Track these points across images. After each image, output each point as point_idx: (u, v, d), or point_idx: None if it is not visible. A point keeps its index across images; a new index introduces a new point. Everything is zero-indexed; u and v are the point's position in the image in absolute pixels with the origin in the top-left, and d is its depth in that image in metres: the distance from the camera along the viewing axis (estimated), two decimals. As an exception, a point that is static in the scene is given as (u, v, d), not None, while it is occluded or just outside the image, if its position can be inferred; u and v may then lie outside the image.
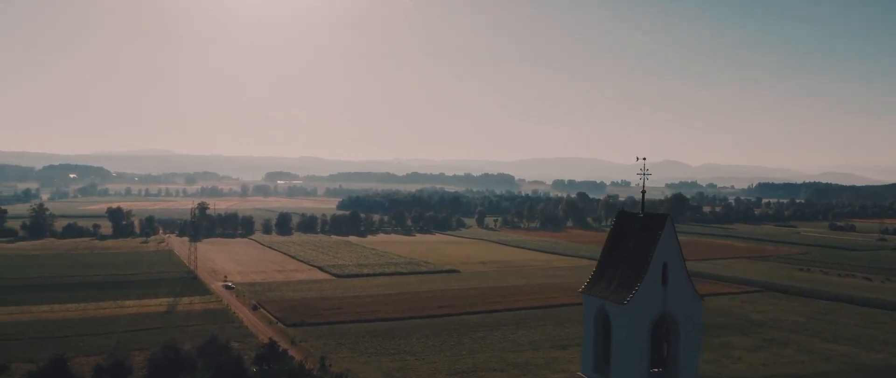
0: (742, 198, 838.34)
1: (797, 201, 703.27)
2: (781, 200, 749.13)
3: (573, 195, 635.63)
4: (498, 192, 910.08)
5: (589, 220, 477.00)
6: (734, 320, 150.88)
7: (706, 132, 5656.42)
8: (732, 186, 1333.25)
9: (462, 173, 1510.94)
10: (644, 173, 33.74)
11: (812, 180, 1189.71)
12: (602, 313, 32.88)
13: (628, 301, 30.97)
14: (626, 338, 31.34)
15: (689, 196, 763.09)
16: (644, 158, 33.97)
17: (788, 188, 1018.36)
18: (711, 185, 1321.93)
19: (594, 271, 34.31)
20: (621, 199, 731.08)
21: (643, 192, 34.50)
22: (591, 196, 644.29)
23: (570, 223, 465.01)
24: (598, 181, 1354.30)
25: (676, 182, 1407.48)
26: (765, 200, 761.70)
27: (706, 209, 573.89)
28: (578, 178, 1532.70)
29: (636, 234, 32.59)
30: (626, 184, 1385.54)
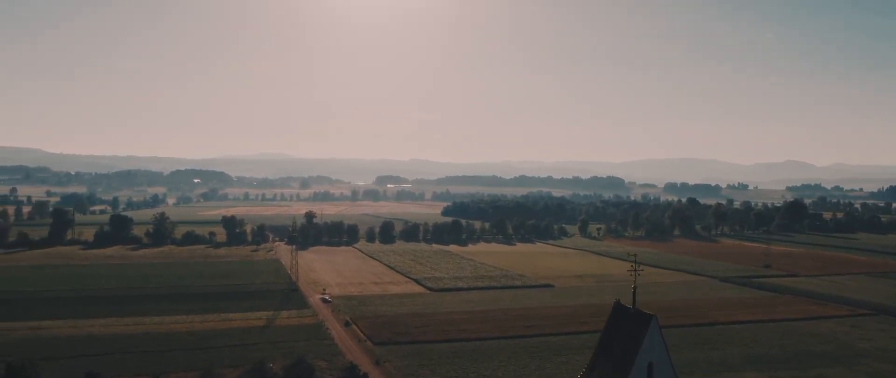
0: (869, 202, 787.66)
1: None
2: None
3: (683, 200, 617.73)
4: (605, 196, 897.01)
5: (697, 228, 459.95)
6: (835, 349, 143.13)
7: (835, 130, 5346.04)
8: (861, 189, 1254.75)
9: (570, 176, 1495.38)
10: (635, 267, 33.79)
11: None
12: (592, 406, 33.39)
13: (611, 400, 31.40)
14: (611, 434, 31.76)
15: (810, 201, 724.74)
16: (635, 256, 33.99)
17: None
18: (837, 188, 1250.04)
19: (590, 360, 34.83)
20: (736, 204, 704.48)
21: (634, 288, 34.50)
22: (703, 201, 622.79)
23: (676, 232, 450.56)
24: (713, 184, 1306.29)
25: (799, 184, 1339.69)
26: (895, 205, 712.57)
27: (826, 216, 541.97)
28: (693, 180, 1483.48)
29: (625, 330, 32.91)
30: (744, 186, 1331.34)
